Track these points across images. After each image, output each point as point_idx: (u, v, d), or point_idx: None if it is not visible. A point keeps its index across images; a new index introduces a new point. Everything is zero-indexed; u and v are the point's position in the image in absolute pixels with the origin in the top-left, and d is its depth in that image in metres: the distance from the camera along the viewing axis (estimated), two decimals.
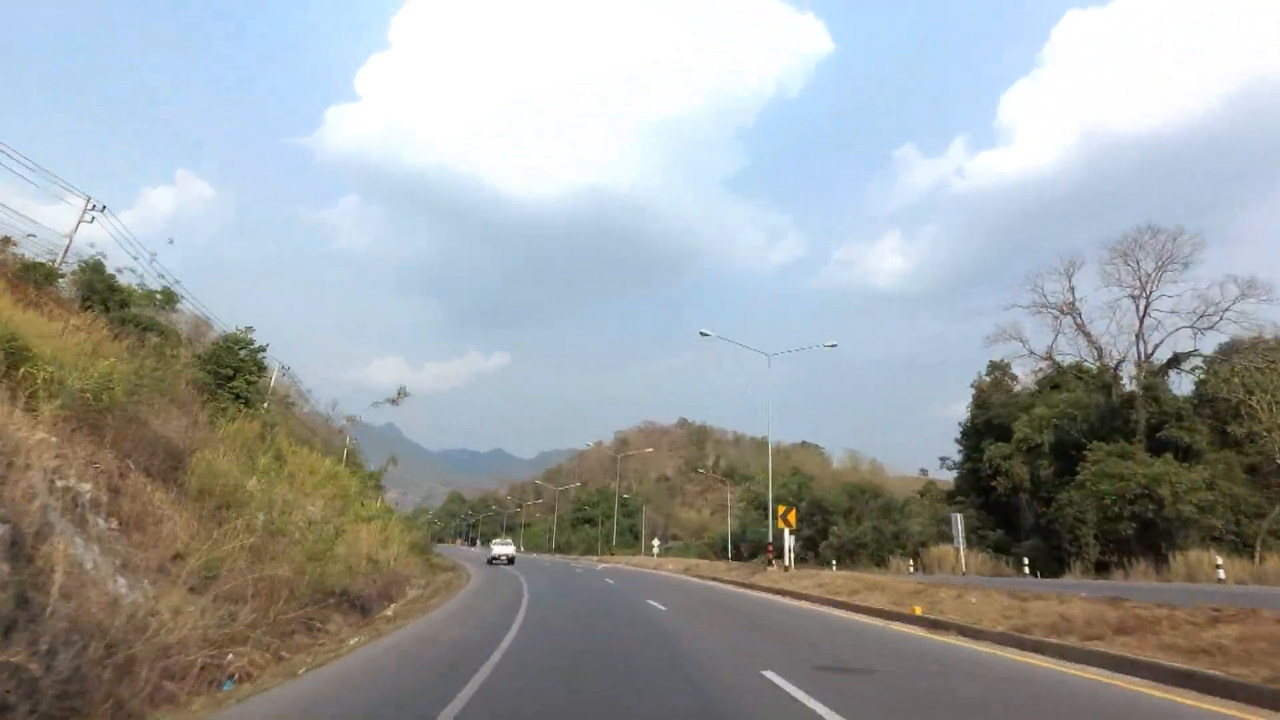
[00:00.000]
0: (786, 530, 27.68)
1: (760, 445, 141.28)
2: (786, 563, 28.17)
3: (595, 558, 72.49)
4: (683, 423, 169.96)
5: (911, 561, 39.39)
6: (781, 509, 29.13)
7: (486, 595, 18.73)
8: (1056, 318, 40.95)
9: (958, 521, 32.95)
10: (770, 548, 31.52)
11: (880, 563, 40.64)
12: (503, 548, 46.20)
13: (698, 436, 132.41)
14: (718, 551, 63.76)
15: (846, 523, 46.42)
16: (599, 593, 20.14)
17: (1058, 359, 42.84)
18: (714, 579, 29.45)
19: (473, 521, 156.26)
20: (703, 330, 29.60)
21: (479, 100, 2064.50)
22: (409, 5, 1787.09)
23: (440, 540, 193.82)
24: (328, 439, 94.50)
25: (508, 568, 39.87)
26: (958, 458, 49.00)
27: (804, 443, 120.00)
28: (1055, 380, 42.42)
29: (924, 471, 77.11)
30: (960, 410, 52.28)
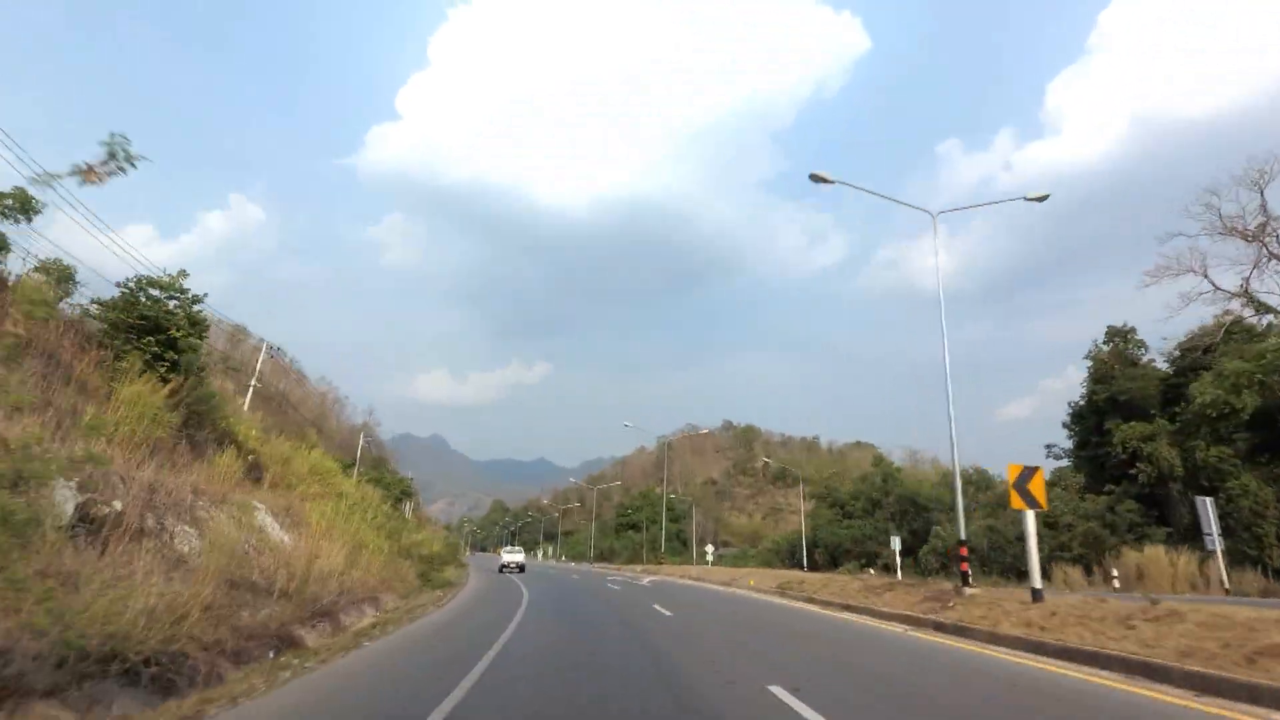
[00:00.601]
0: (1030, 516, 13.26)
1: (810, 445, 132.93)
2: (964, 584, 15.03)
3: (640, 567, 63.50)
4: (727, 425, 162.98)
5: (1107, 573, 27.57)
6: (1016, 471, 13.57)
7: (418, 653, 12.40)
8: (1253, 241, 30.73)
9: (1208, 510, 21.55)
10: (964, 556, 15.83)
11: (1019, 574, 30.30)
12: (512, 555, 49.61)
13: (744, 438, 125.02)
14: (784, 558, 56.73)
15: (951, 521, 39.13)
16: (642, 655, 9.17)
17: (1257, 296, 31.90)
18: (855, 609, 16.31)
19: (514, 529, 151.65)
20: (815, 174, 18.23)
21: (516, 114, 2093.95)
22: (448, 23, 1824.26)
23: (483, 549, 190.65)
24: (344, 441, 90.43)
25: (515, 584, 34.85)
26: (1067, 443, 41.23)
27: (858, 442, 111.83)
28: (1247, 327, 32.16)
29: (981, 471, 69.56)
30: (1019, 411, 44.86)
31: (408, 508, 76.54)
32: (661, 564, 58.62)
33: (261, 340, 42.70)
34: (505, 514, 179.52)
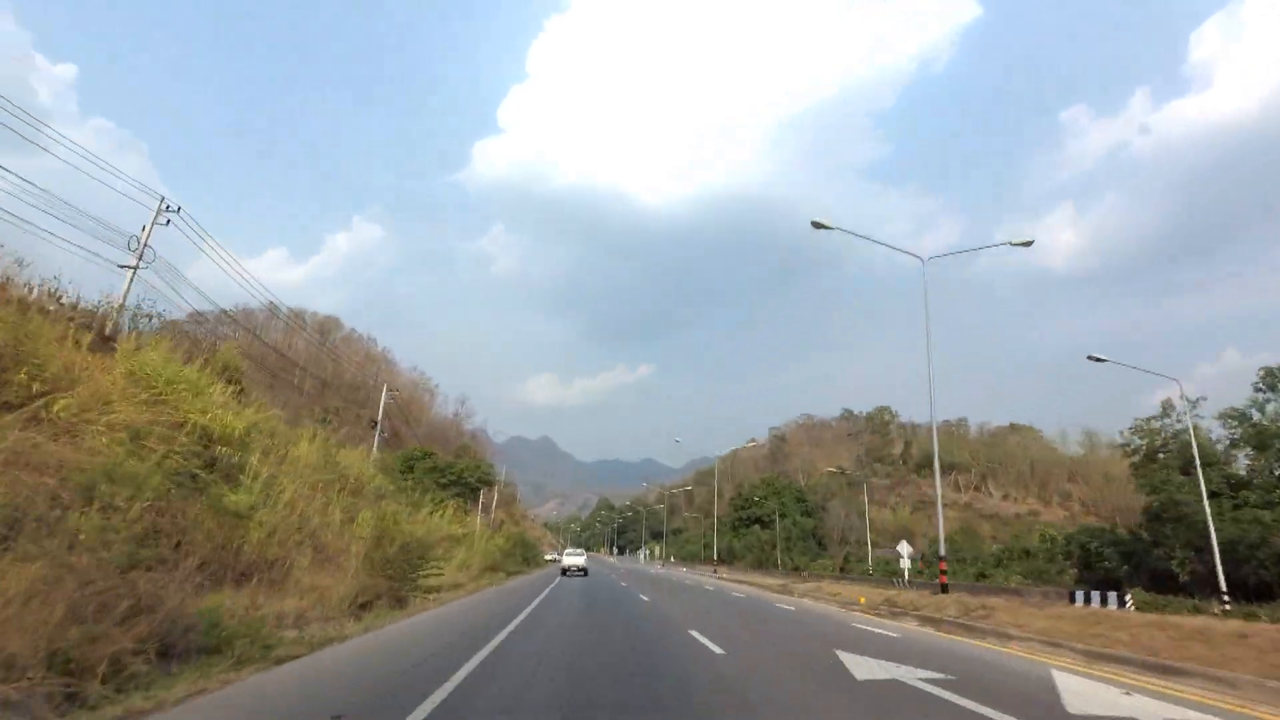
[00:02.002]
0: None
1: (956, 429, 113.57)
2: None
3: (780, 578, 47.15)
4: (847, 415, 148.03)
5: None
6: None
7: None
8: None
9: None
10: None
11: None
12: (574, 558, 45.05)
13: (878, 422, 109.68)
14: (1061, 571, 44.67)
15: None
16: None
17: None
18: None
19: (619, 527, 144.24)
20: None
21: (613, 117, 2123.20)
22: (544, 34, 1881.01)
23: (588, 549, 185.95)
24: (434, 432, 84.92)
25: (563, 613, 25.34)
26: None
27: (1013, 425, 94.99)
28: None
29: None
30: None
31: (488, 506, 70.36)
32: (811, 579, 42.12)
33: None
34: (611, 512, 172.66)
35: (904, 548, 41.57)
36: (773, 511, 69.35)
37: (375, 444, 32.42)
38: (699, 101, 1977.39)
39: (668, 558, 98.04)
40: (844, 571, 55.27)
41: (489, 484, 62.54)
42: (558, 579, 35.65)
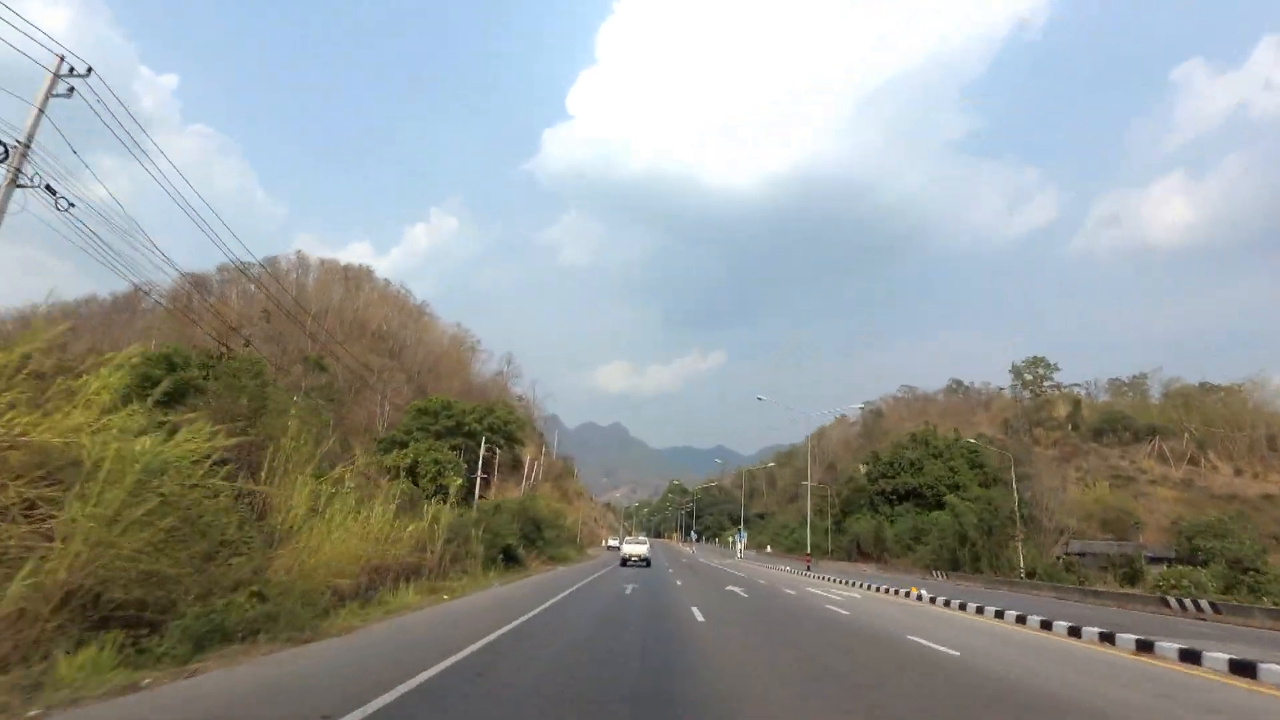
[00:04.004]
0: None
1: (1134, 387, 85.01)
2: None
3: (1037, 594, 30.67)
4: (955, 386, 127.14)
5: None
6: None
7: None
8: None
9: None
10: None
11: None
12: (635, 547, 41.44)
13: (1029, 372, 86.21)
14: None
15: None
16: None
17: None
18: None
19: (692, 510, 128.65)
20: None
21: (684, 99, 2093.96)
22: (614, 16, 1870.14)
23: (659, 534, 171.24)
24: (474, 389, 71.82)
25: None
26: None
27: (1202, 383, 73.06)
28: None
29: None
30: None
31: (536, 469, 55.77)
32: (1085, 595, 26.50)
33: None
34: (684, 496, 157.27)
35: None
36: (939, 480, 50.79)
37: None
38: (772, 80, 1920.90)
39: (763, 547, 79.08)
40: (1040, 577, 36.59)
41: (514, 440, 48.11)
42: (586, 580, 23.28)
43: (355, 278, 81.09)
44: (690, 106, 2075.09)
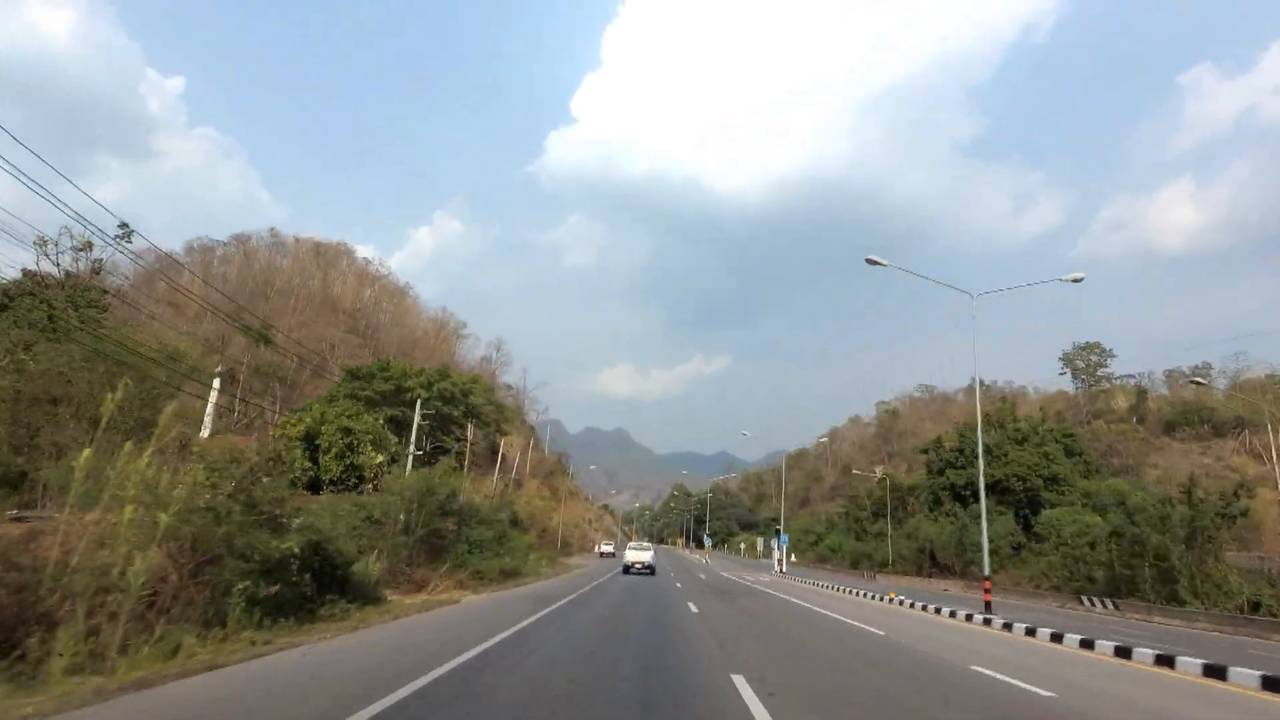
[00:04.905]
0: None
1: (1200, 374, 73.62)
2: None
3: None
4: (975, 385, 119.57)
5: None
6: None
7: None
8: None
9: None
10: None
11: None
12: (638, 553, 41.53)
13: (1083, 360, 77.11)
14: None
15: None
16: None
17: None
18: None
19: (705, 510, 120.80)
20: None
21: (688, 102, 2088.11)
22: (618, 19, 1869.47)
23: (662, 540, 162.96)
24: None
25: None
26: None
27: (1270, 374, 65.70)
28: None
29: None
30: None
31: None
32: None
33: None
34: (687, 498, 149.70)
35: None
36: (1032, 471, 39.76)
37: None
38: (776, 80, 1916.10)
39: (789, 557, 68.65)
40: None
41: (483, 420, 41.01)
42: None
43: (329, 255, 74.22)
44: (691, 107, 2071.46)
